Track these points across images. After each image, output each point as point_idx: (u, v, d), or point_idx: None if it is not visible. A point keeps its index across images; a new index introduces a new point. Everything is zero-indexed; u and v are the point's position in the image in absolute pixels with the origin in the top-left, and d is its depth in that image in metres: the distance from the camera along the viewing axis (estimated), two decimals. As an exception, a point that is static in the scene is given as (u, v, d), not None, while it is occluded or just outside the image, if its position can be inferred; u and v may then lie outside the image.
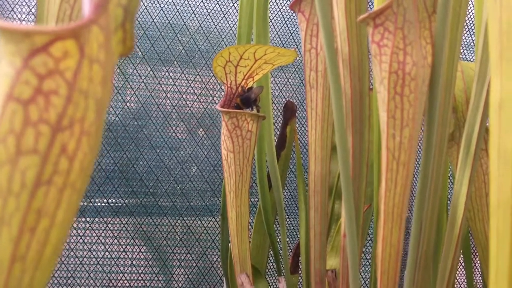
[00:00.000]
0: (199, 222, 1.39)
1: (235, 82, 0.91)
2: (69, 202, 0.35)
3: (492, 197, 0.49)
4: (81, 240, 1.31)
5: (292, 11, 1.35)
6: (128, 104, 1.33)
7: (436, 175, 0.73)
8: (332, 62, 0.67)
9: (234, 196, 0.90)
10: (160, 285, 1.37)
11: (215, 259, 1.41)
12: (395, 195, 0.65)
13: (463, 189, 0.76)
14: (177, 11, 1.35)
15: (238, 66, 0.89)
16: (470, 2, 1.59)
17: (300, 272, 1.21)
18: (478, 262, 1.33)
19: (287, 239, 1.46)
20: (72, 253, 1.31)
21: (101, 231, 1.33)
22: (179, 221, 1.37)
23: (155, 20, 1.33)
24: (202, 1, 1.37)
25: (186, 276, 1.39)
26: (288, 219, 1.48)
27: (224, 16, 1.39)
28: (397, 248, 0.66)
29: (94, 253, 1.32)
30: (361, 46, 0.74)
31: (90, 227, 1.31)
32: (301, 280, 1.19)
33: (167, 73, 1.35)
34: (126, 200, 1.33)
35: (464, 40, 1.62)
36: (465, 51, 1.61)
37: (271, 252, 1.22)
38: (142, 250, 1.36)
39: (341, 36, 0.74)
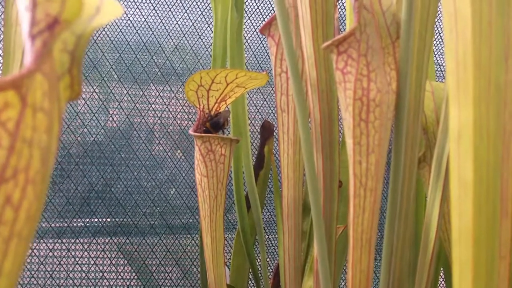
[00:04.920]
0: (178, 242, 1.38)
1: (208, 106, 0.91)
2: (16, 251, 0.34)
3: (453, 226, 0.49)
4: (60, 263, 1.30)
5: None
6: (105, 126, 1.33)
7: (406, 198, 0.73)
8: (298, 87, 0.67)
9: (209, 221, 0.90)
10: (141, 307, 1.36)
11: (195, 280, 1.40)
12: (363, 221, 0.65)
13: (435, 211, 0.76)
14: (152, 32, 1.34)
15: (210, 90, 0.89)
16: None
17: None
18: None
19: (268, 259, 1.46)
20: (50, 276, 1.29)
21: (81, 252, 1.31)
22: (158, 242, 1.36)
23: (130, 43, 1.33)
24: (177, 22, 1.37)
25: (167, 297, 1.38)
26: (268, 239, 1.48)
27: (199, 37, 1.39)
28: (367, 274, 0.66)
29: (73, 274, 1.31)
30: (328, 70, 0.74)
31: (68, 248, 1.30)
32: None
33: (143, 95, 1.35)
34: (105, 222, 1.32)
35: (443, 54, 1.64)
36: (442, 64, 1.62)
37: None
38: (122, 271, 1.35)
39: (308, 61, 0.75)
